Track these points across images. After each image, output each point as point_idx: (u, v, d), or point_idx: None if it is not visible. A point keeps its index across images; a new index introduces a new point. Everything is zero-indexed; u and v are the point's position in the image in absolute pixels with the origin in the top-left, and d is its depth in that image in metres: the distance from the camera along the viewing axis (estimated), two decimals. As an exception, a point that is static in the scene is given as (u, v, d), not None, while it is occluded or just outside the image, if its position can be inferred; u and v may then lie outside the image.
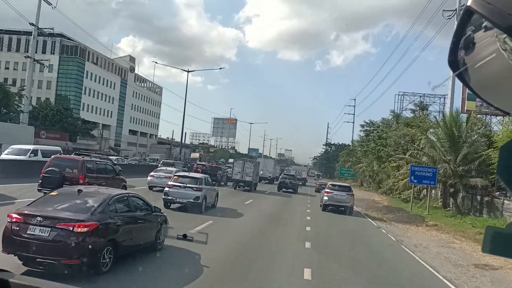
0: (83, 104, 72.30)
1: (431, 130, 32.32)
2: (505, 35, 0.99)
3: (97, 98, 76.74)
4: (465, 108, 35.59)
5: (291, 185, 36.68)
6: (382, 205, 29.28)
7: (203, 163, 45.73)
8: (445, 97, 48.22)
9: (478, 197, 25.06)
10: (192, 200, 16.02)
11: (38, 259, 6.70)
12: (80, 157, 17.60)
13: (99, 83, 76.96)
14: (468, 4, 0.99)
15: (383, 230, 17.43)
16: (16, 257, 6.88)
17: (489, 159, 23.30)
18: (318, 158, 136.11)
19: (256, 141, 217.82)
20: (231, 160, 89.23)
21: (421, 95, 56.98)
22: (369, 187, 56.44)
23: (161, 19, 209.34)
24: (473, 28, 1.06)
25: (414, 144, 32.73)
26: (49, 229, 6.73)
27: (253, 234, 13.59)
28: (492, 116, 35.55)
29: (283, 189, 36.00)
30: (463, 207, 26.75)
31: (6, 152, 25.49)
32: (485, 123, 33.23)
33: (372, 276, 9.71)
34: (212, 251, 9.20)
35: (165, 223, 9.55)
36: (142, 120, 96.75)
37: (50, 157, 18.33)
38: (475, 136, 26.95)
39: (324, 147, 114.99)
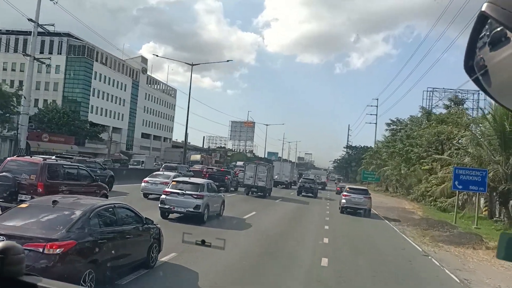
0: (92, 106, 69.34)
1: (472, 127, 27.66)
2: None
3: (107, 100, 73.69)
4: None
5: (311, 189, 36.46)
6: (418, 217, 24.54)
7: (211, 166, 42.07)
8: (479, 93, 43.47)
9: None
10: (192, 209, 14.36)
11: None
12: (41, 159, 14.36)
13: (108, 84, 73.94)
14: (483, 9, 1.00)
15: (433, 259, 12.46)
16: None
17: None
18: (338, 162, 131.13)
19: (276, 145, 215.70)
20: (239, 163, 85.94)
21: (452, 90, 51.56)
22: (396, 193, 51.68)
23: (181, 25, 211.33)
24: (488, 33, 1.05)
25: (450, 143, 28.12)
26: None
27: (260, 253, 11.29)
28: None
29: (303, 193, 35.81)
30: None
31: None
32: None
33: None
34: (209, 273, 8.46)
35: (159, 236, 8.64)
36: (155, 123, 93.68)
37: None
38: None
39: (345, 150, 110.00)
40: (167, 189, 15.22)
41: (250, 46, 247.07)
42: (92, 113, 68.87)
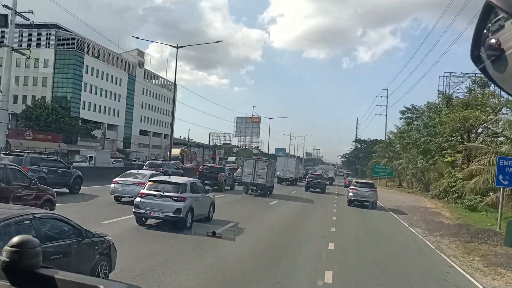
0: (84, 102, 65.27)
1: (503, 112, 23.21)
2: None
3: (100, 95, 69.60)
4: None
5: (319, 184, 36.30)
6: (448, 221, 19.88)
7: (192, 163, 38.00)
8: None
9: None
10: (171, 214, 12.39)
11: None
12: None
13: (102, 78, 69.79)
14: None
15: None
16: None
17: None
18: (347, 156, 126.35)
19: (283, 140, 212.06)
20: (231, 158, 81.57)
21: (471, 75, 46.41)
22: (411, 188, 47.06)
23: (187, 23, 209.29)
24: (494, 23, 1.05)
25: (483, 129, 23.64)
26: None
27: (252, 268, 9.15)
28: None
29: (311, 189, 35.54)
30: None
31: None
32: None
33: None
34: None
35: (108, 252, 6.92)
36: (154, 119, 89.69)
37: None
38: None
39: (354, 143, 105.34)
40: (142, 191, 13.20)
41: (256, 43, 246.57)
42: (84, 109, 64.99)
